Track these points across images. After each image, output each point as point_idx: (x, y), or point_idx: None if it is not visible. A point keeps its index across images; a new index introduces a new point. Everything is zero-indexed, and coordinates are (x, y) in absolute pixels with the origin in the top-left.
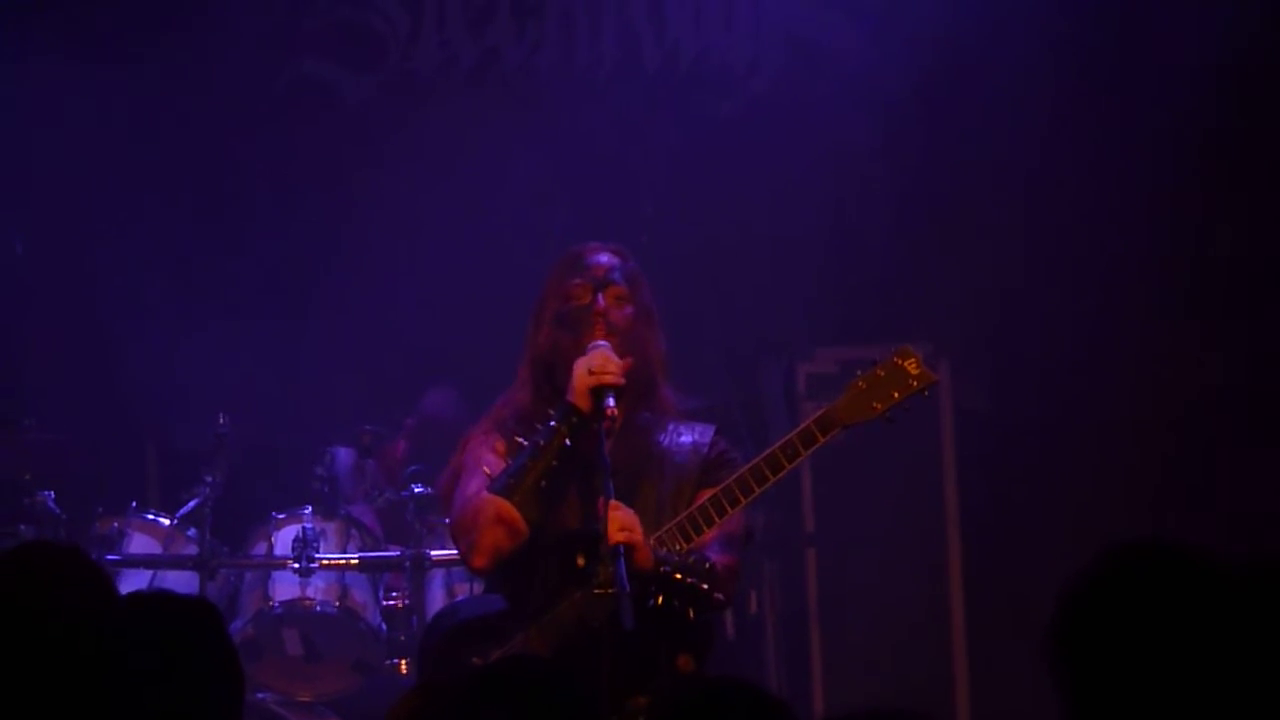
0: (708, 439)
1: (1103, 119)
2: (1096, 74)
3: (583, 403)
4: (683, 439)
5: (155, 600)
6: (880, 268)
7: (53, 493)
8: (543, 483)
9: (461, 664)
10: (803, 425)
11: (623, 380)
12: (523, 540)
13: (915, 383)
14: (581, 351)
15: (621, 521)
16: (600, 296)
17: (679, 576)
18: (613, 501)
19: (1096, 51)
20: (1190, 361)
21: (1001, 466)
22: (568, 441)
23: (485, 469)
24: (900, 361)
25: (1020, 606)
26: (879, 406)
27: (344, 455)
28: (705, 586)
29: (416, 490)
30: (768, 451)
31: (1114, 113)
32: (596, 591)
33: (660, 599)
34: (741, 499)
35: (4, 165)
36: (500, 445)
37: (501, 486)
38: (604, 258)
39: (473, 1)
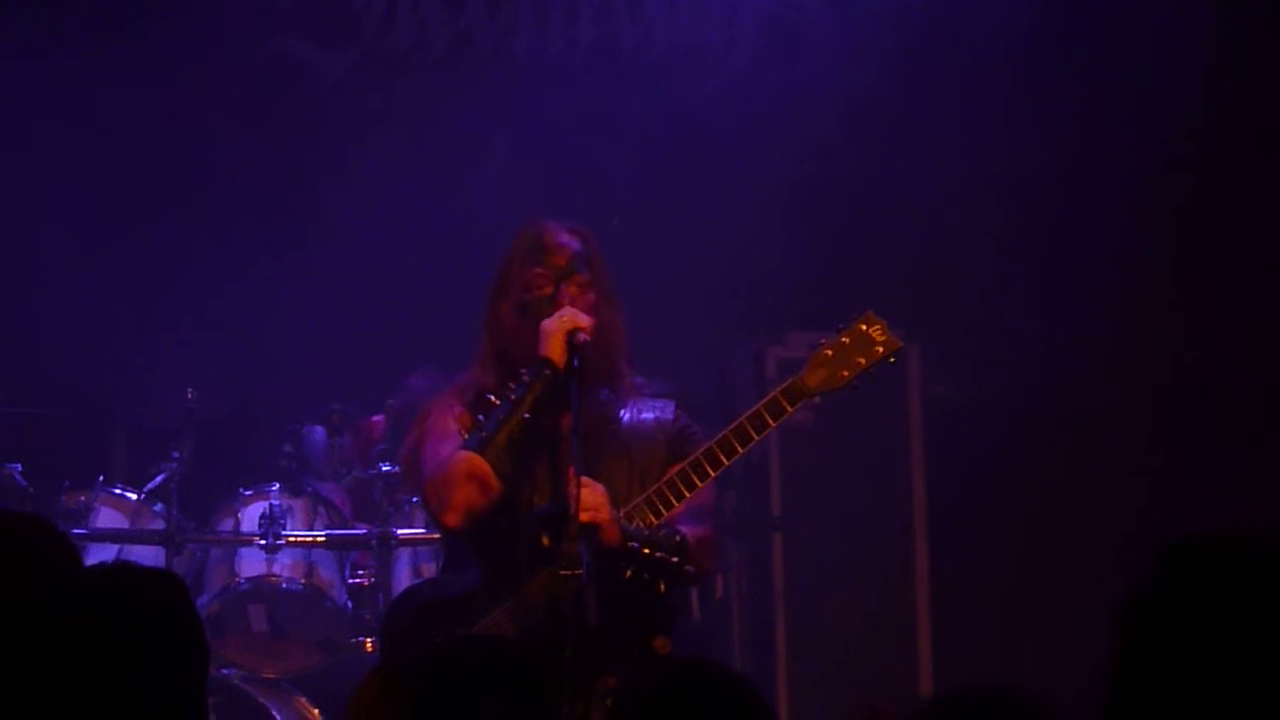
0: (670, 414)
1: (1080, 103)
2: (1074, 57)
3: (555, 355)
4: (644, 415)
5: (119, 571)
6: (852, 252)
7: (19, 465)
8: (515, 437)
9: (425, 644)
10: (769, 396)
11: (593, 325)
12: (495, 497)
13: (881, 349)
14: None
15: (588, 500)
16: (562, 287)
17: (648, 551)
18: (582, 479)
19: (1072, 35)
20: (1165, 352)
21: (969, 452)
22: (539, 394)
23: (455, 434)
24: (865, 328)
25: (985, 591)
26: (846, 374)
27: (314, 433)
28: (675, 559)
29: (384, 469)
30: (735, 423)
31: (1092, 97)
32: (563, 572)
33: (629, 574)
34: (710, 472)
35: None
36: (464, 416)
37: (475, 443)
38: (565, 241)
39: None
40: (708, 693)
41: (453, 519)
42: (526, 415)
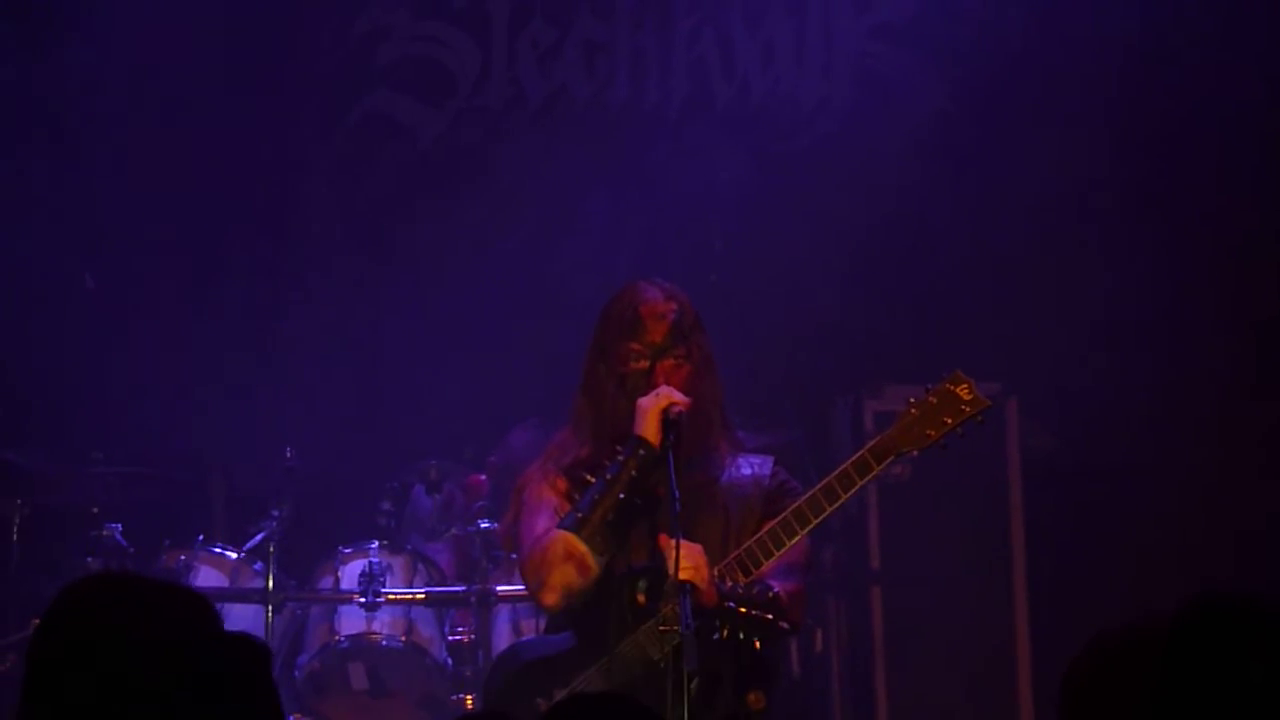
0: (767, 470)
1: (1176, 144)
2: (1165, 99)
3: (650, 435)
4: (743, 472)
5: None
6: (950, 304)
7: (120, 525)
8: (610, 517)
9: (526, 704)
10: (857, 454)
11: (689, 404)
12: (592, 576)
13: (968, 408)
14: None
15: (687, 558)
16: (658, 365)
17: (744, 610)
18: (680, 540)
19: (1163, 75)
20: (1259, 409)
21: (1067, 505)
22: (634, 473)
23: (552, 507)
24: (953, 387)
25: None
26: (932, 434)
27: (413, 490)
28: (770, 616)
29: (483, 525)
30: (824, 482)
31: (1187, 137)
32: (662, 629)
33: (725, 632)
34: (798, 529)
35: (75, 204)
36: (561, 484)
37: (571, 522)
38: (661, 313)
39: (542, 39)
40: None
41: (550, 599)
42: (621, 495)
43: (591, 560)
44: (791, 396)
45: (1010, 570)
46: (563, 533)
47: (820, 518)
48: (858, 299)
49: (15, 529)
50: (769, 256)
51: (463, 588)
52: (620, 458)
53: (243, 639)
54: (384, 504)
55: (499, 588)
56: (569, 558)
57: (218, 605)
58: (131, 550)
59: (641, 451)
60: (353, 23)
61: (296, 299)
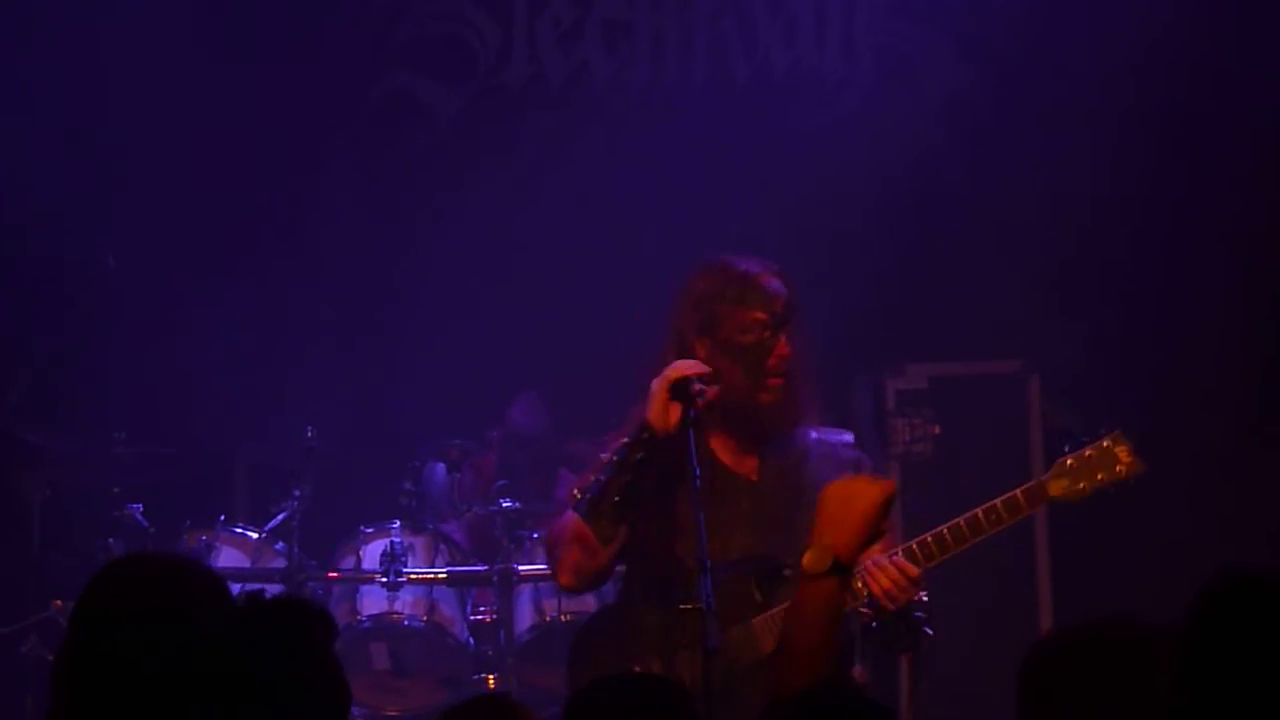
0: (849, 452)
1: (1201, 124)
2: (1192, 83)
3: (656, 419)
4: (830, 448)
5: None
6: (971, 284)
7: (141, 506)
8: (616, 498)
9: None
10: (1009, 493)
11: (702, 372)
12: (602, 559)
13: (1123, 470)
14: (753, 389)
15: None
16: (781, 337)
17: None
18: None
19: (1190, 61)
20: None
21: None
22: (640, 456)
23: (574, 489)
24: (1110, 445)
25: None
26: (1084, 487)
27: (434, 470)
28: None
29: (504, 505)
30: (970, 513)
31: (1210, 117)
32: (682, 607)
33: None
34: (938, 555)
35: (97, 182)
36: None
37: (580, 505)
38: (778, 288)
39: (563, 18)
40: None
41: (564, 578)
42: (629, 478)
43: (596, 543)
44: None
45: (1033, 552)
46: (572, 514)
47: (961, 547)
48: (878, 278)
49: (36, 510)
50: (787, 236)
51: (484, 567)
52: (626, 440)
53: (316, 608)
54: (405, 483)
55: (520, 567)
56: (576, 540)
57: (239, 585)
58: (152, 531)
59: (645, 435)
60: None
61: (315, 278)
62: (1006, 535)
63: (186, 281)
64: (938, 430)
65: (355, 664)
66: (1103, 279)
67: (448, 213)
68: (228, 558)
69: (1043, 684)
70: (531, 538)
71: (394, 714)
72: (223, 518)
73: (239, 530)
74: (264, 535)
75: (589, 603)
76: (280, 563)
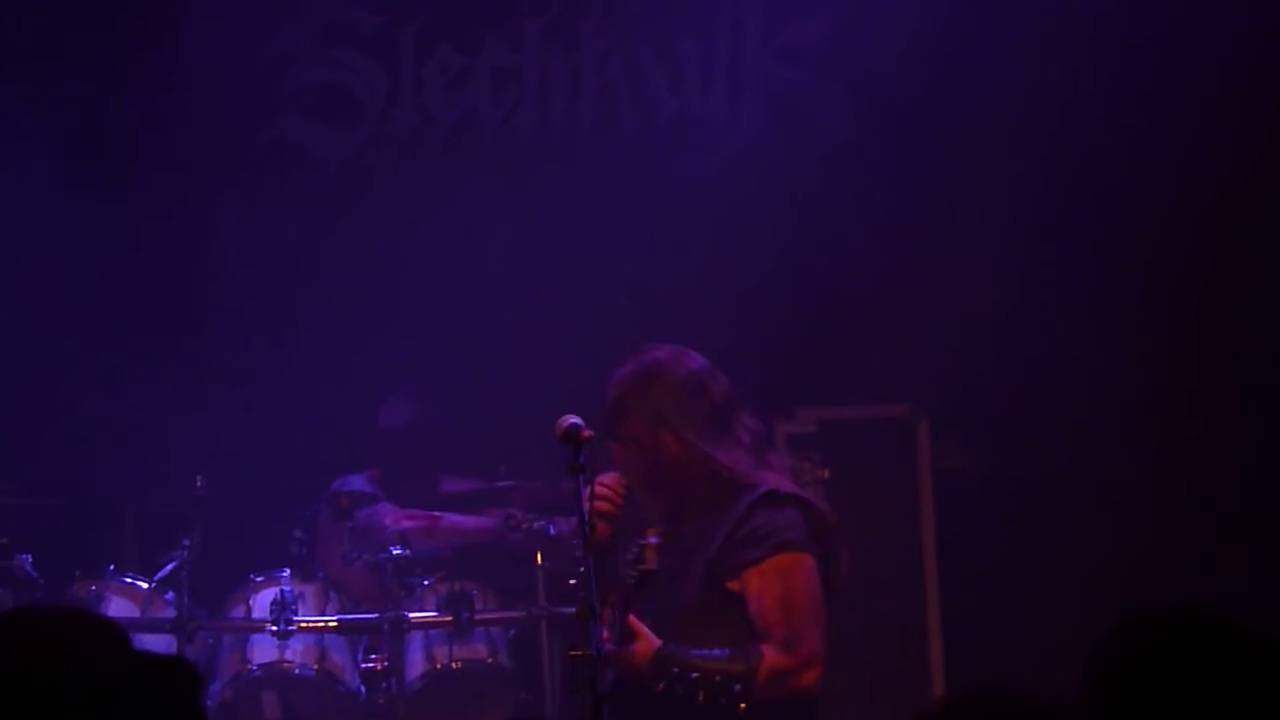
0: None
1: (1094, 166)
2: (1088, 124)
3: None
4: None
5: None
6: (861, 326)
7: (29, 556)
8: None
9: None
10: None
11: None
12: None
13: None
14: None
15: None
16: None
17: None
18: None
19: (1080, 107)
20: (1177, 420)
21: (981, 527)
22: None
23: None
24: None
25: (999, 667)
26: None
27: (324, 517)
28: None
29: (395, 552)
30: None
31: (1108, 161)
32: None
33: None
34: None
35: None
36: None
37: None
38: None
39: (450, 65)
40: None
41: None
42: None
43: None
44: None
45: (924, 592)
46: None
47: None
48: (767, 321)
49: None
50: (673, 279)
51: (375, 615)
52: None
53: (172, 661)
54: (295, 531)
55: (411, 614)
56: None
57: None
58: (42, 581)
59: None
60: (262, 49)
61: (204, 325)
62: (897, 603)
63: (73, 331)
64: (826, 474)
65: (247, 713)
66: (994, 323)
67: (337, 260)
68: (117, 608)
69: None
70: (423, 584)
71: None
72: (112, 567)
73: (129, 580)
74: (154, 585)
75: (480, 650)
76: (170, 612)
